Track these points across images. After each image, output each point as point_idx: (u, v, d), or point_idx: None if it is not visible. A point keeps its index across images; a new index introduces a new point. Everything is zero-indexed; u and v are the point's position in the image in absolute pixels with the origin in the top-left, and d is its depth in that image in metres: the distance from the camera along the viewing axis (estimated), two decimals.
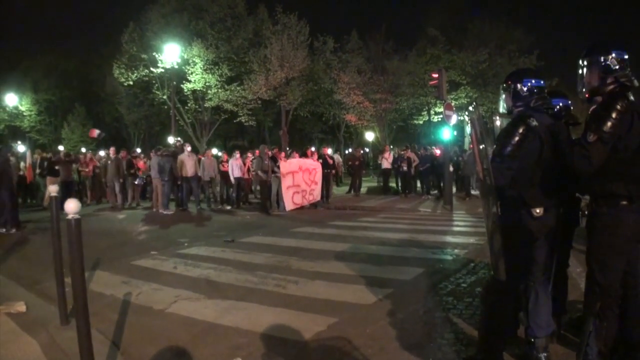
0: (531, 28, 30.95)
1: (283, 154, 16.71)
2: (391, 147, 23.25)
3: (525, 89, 3.43)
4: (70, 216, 3.14)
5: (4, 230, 11.20)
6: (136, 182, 17.48)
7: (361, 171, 21.21)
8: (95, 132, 19.52)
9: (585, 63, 3.22)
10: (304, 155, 17.20)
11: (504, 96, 3.63)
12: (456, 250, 8.01)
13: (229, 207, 16.28)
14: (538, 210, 3.24)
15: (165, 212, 14.66)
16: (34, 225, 12.46)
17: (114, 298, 5.64)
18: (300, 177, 14.86)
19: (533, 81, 3.44)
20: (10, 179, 11.75)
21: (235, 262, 7.42)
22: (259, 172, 15.07)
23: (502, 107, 3.69)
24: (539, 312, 3.39)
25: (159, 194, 15.37)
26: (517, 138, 3.19)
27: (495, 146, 3.37)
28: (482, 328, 3.53)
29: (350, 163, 20.93)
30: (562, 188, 3.32)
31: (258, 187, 18.38)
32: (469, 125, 3.77)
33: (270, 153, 15.65)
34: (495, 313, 3.36)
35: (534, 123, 3.19)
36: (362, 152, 24.62)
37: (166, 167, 14.89)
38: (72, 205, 3.16)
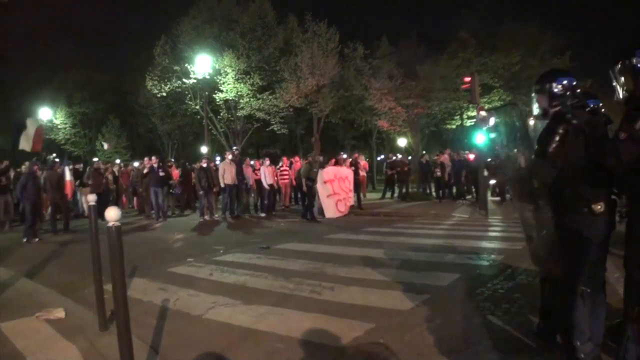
0: (563, 29, 30.41)
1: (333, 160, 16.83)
2: (424, 152, 23.24)
3: (560, 87, 3.42)
4: (110, 224, 3.21)
5: (25, 240, 11.70)
6: (172, 192, 17.76)
7: (409, 177, 21.17)
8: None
9: (618, 68, 3.16)
10: (336, 163, 17.29)
11: (536, 99, 3.61)
12: (493, 256, 7.90)
13: (263, 215, 16.41)
14: (599, 206, 3.18)
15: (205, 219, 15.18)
16: (71, 233, 12.83)
17: (152, 304, 5.73)
18: (337, 185, 14.96)
19: (565, 80, 3.43)
20: (34, 192, 12.24)
21: (270, 268, 7.47)
22: (304, 180, 14.86)
23: (535, 110, 3.67)
24: (588, 318, 3.31)
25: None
26: (558, 136, 3.18)
27: (536, 146, 3.35)
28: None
29: (398, 169, 20.91)
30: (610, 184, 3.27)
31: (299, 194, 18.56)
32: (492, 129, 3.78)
33: (320, 159, 15.89)
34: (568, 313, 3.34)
35: (574, 120, 3.17)
36: (409, 158, 24.43)
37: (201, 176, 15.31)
38: (112, 213, 3.24)
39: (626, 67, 3.09)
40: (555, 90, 3.45)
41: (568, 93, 3.41)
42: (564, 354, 3.45)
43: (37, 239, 11.91)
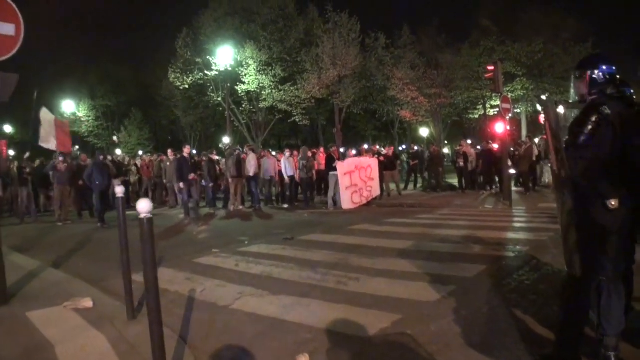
0: (586, 14, 29.82)
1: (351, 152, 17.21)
2: (446, 142, 23.03)
3: (601, 75, 3.36)
4: (142, 215, 3.23)
5: (100, 224, 12.86)
6: (203, 184, 17.85)
7: (439, 168, 21.01)
8: None
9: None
10: (358, 154, 17.38)
11: (575, 85, 3.56)
12: (518, 247, 7.84)
13: (286, 206, 16.52)
14: (613, 202, 3.14)
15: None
16: (94, 224, 13.17)
17: (179, 294, 5.82)
18: (357, 176, 15.05)
19: (606, 67, 3.37)
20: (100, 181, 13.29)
21: (295, 259, 7.53)
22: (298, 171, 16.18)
23: (572, 96, 3.62)
24: (610, 309, 3.30)
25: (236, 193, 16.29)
26: (590, 127, 3.13)
27: (567, 136, 3.31)
28: (559, 325, 3.47)
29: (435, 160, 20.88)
30: (637, 179, 3.21)
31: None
32: (543, 116, 3.70)
33: (310, 153, 17.02)
34: (572, 309, 3.31)
35: (607, 111, 3.12)
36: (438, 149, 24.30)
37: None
38: (144, 205, 3.27)
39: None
40: (595, 77, 3.37)
41: (609, 82, 3.33)
42: (588, 345, 3.43)
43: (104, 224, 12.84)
